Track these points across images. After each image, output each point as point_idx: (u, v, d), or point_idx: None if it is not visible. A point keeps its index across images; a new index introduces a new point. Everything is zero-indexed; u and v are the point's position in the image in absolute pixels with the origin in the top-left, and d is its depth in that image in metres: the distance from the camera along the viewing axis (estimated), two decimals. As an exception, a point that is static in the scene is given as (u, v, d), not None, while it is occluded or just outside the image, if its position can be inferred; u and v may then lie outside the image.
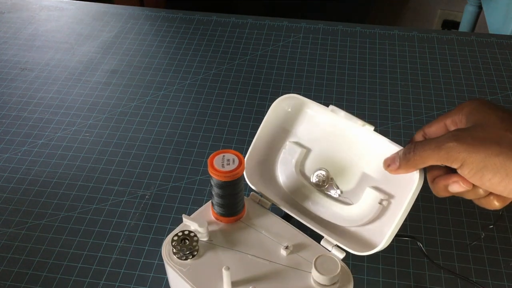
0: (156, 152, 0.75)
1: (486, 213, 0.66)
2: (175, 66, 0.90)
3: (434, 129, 0.49)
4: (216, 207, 0.52)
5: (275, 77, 0.88)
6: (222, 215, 0.52)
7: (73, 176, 0.71)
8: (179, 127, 0.79)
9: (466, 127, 0.45)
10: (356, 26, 1.00)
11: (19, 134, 0.77)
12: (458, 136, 0.43)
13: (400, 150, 0.48)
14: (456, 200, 0.68)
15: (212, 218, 0.53)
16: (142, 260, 0.61)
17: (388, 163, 0.49)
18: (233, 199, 0.50)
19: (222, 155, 0.49)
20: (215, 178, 0.49)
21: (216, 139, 0.76)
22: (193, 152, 0.75)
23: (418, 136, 0.50)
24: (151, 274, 0.60)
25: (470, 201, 0.67)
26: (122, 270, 0.60)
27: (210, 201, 0.53)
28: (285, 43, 0.96)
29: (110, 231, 0.64)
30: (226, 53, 0.93)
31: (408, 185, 0.48)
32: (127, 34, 0.98)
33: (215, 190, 0.50)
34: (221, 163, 0.49)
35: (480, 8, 1.64)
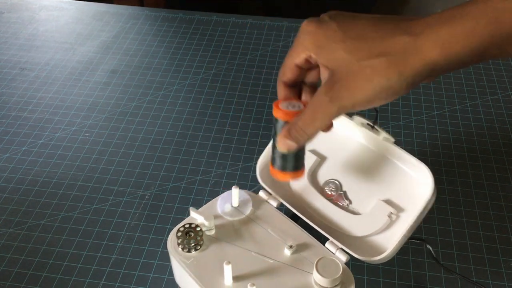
0: (156, 152, 0.75)
1: (487, 214, 0.66)
2: (175, 66, 0.90)
3: (291, 76, 0.47)
4: (277, 160, 0.47)
5: (275, 77, 0.87)
6: (284, 168, 0.47)
7: (73, 176, 0.71)
8: (179, 127, 0.79)
9: (328, 83, 0.42)
10: (356, 26, 0.99)
11: (19, 134, 0.77)
12: (332, 97, 0.41)
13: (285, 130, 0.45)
14: (456, 201, 0.67)
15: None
16: (142, 260, 0.61)
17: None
18: (297, 149, 0.46)
19: (286, 102, 0.46)
20: (281, 120, 0.45)
21: (216, 139, 0.76)
22: (193, 152, 0.74)
23: (281, 90, 0.48)
24: (151, 274, 0.59)
25: (471, 202, 0.67)
26: (122, 270, 0.60)
27: (269, 160, 0.49)
28: (285, 43, 0.96)
29: (110, 231, 0.64)
30: (226, 53, 0.93)
31: (419, 200, 0.48)
32: (127, 34, 0.98)
33: None
34: (286, 107, 0.45)
35: (480, 8, 1.64)
